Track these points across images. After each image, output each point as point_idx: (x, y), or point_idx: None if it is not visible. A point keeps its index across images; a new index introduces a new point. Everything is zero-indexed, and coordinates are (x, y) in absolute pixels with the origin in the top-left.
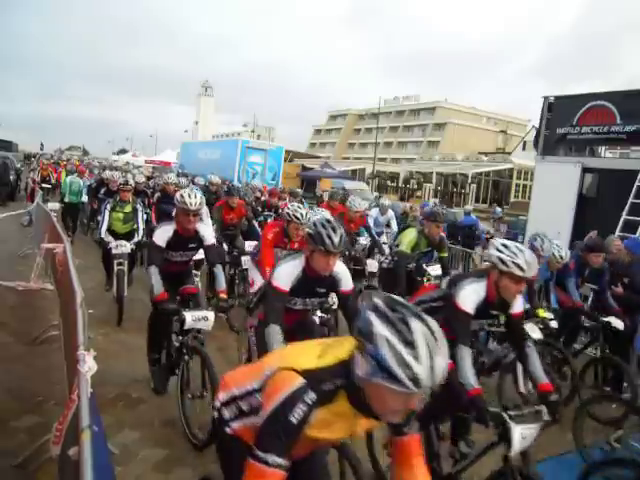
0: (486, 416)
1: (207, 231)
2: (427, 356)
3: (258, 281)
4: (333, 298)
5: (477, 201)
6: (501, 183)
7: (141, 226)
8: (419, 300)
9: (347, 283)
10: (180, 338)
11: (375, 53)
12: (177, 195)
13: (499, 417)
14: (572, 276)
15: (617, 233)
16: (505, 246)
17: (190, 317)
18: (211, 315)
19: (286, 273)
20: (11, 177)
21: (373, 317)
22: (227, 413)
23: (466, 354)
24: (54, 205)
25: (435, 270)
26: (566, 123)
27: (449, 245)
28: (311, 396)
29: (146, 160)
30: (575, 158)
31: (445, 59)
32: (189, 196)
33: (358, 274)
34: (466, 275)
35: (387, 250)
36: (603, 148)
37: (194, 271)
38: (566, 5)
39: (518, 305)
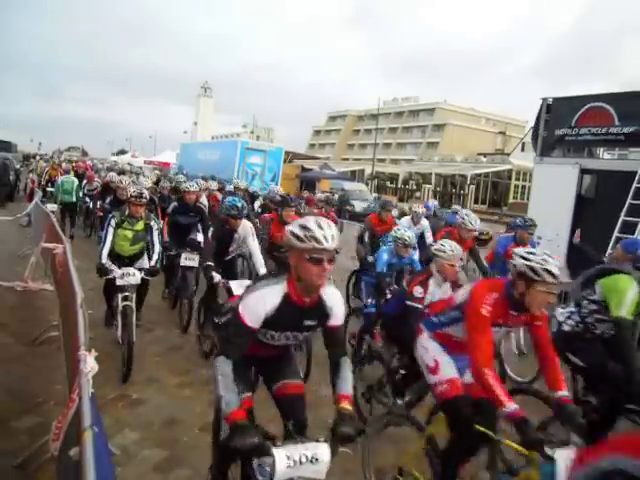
0: None
1: (337, 301)
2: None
3: None
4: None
5: (476, 202)
6: (500, 184)
7: (157, 249)
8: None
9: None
10: None
11: (374, 54)
12: (291, 228)
13: None
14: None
15: (615, 234)
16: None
17: (285, 461)
18: (326, 455)
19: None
20: (10, 177)
21: None
22: None
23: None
24: (53, 206)
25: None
26: (564, 124)
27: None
28: None
29: (145, 161)
30: (573, 159)
31: (444, 60)
32: (319, 226)
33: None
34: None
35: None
36: (601, 149)
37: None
38: (566, 5)
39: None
